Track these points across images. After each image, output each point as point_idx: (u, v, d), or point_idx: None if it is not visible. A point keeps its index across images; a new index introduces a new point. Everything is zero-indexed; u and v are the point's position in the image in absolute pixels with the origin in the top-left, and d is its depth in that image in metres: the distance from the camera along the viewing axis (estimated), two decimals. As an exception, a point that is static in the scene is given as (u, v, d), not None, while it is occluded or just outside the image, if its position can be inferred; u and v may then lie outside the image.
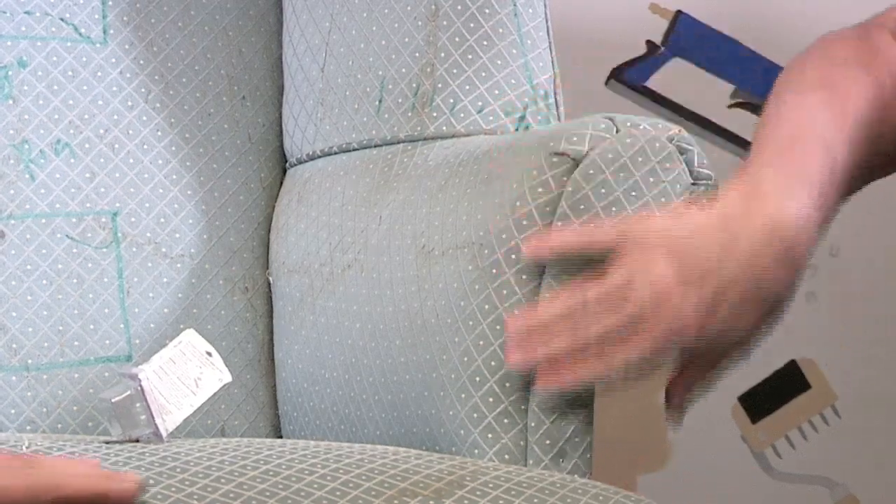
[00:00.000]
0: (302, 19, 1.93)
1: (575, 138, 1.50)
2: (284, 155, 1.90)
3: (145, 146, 1.89)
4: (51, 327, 1.77)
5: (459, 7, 1.75)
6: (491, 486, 1.22)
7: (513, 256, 1.49)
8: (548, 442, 1.47)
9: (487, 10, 1.74)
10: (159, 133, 1.89)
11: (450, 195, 1.57)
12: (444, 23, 1.73)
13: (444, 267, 1.52)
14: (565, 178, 1.48)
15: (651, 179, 1.47)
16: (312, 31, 1.91)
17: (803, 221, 1.26)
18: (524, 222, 1.47)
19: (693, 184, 1.50)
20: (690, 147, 1.50)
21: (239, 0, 2.03)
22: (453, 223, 1.55)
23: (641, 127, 1.51)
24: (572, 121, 1.58)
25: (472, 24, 1.71)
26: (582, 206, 1.48)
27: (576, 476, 1.42)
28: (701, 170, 1.52)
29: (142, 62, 1.97)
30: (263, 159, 1.91)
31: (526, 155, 1.52)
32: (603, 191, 1.47)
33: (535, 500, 1.21)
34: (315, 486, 1.16)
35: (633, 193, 1.48)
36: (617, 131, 1.50)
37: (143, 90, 1.94)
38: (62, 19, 1.92)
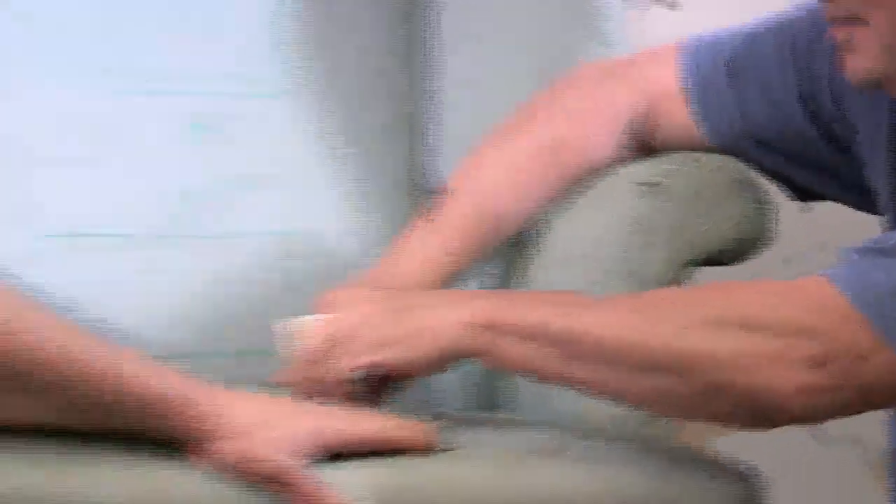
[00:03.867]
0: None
1: (656, 170, 1.75)
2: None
3: (320, 186, 2.13)
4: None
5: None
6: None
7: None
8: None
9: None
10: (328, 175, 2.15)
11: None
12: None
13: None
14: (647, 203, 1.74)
15: (718, 208, 1.72)
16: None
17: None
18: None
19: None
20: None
21: (393, 60, 2.23)
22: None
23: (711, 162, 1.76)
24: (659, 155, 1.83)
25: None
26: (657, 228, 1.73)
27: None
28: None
29: (312, 114, 2.16)
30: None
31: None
32: (677, 216, 1.71)
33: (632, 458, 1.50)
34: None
35: (700, 219, 1.72)
36: (693, 163, 1.76)
37: (313, 138, 2.14)
38: (244, 75, 2.13)
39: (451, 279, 1.80)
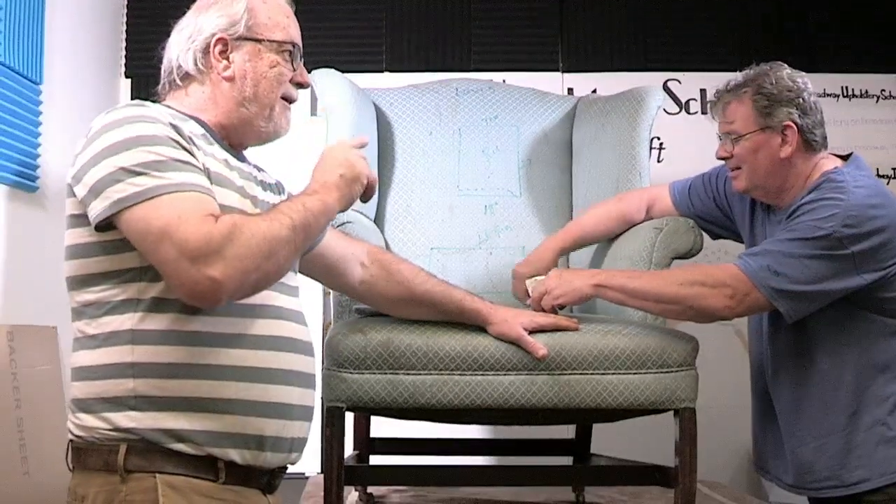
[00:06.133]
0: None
1: (659, 222, 2.16)
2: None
3: (534, 229, 2.48)
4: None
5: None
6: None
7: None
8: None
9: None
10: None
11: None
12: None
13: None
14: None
15: (683, 236, 2.11)
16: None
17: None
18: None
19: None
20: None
21: (563, 174, 2.55)
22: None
23: (680, 220, 2.15)
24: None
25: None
26: (658, 244, 2.10)
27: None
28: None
29: (532, 202, 2.54)
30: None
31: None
32: (667, 239, 2.11)
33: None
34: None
35: (676, 241, 2.12)
36: (674, 220, 2.15)
37: (532, 212, 2.49)
38: (505, 186, 2.53)
39: (558, 257, 2.22)
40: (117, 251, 1.47)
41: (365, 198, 1.64)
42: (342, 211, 1.59)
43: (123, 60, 3.63)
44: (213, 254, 1.37)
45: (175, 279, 1.40)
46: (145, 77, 3.16)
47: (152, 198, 1.42)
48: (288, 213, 1.48)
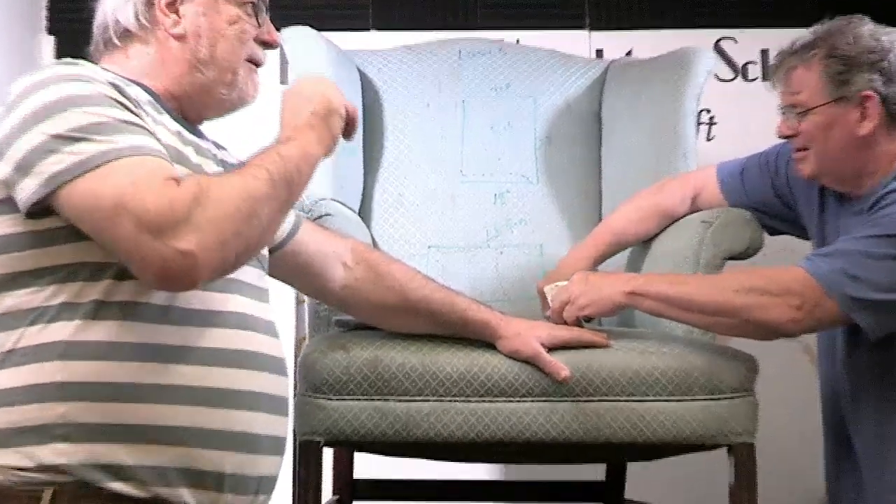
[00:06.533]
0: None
1: (709, 215, 2.21)
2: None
3: (554, 223, 2.55)
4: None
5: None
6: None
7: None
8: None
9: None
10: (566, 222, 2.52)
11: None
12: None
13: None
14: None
15: (737, 231, 2.16)
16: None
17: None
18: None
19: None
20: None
21: (591, 165, 2.61)
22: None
23: (733, 211, 2.20)
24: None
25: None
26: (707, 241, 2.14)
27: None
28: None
29: (551, 191, 2.61)
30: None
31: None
32: (717, 236, 2.15)
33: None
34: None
35: (728, 237, 2.16)
36: (725, 212, 2.20)
37: (551, 202, 2.56)
38: (518, 171, 2.62)
39: (591, 268, 2.25)
40: (50, 243, 1.46)
41: (347, 134, 1.65)
42: (326, 155, 1.59)
43: (46, 13, 3.61)
44: (180, 222, 1.35)
45: (137, 258, 1.38)
46: (74, 34, 3.09)
47: (98, 166, 1.40)
48: (263, 164, 1.46)
